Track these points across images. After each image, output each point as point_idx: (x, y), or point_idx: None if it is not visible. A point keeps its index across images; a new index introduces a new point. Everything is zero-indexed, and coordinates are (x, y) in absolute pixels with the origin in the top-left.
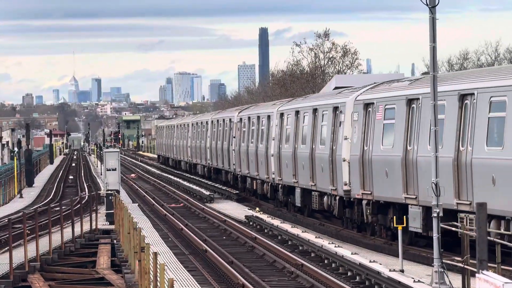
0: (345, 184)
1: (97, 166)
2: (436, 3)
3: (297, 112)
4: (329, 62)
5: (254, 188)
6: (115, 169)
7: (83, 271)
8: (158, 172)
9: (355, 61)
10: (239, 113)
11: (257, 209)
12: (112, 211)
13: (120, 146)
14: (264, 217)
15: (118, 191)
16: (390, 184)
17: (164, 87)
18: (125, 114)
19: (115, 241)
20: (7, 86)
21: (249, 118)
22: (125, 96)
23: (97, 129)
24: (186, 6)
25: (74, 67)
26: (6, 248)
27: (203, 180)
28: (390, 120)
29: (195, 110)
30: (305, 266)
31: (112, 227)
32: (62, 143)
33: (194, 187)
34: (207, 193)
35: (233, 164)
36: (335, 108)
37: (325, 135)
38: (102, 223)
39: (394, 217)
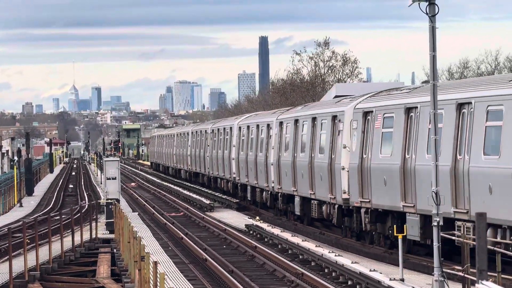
0: (344, 193)
1: (97, 175)
2: (436, 12)
3: (296, 121)
4: (329, 71)
5: (254, 196)
6: (115, 178)
7: (83, 280)
8: (158, 181)
9: (355, 69)
10: (238, 122)
11: (257, 218)
12: (112, 220)
13: (120, 155)
14: (264, 226)
15: (118, 200)
16: (388, 192)
17: (164, 96)
18: (125, 123)
19: (115, 250)
20: (8, 95)
21: (248, 127)
22: (125, 105)
23: (97, 138)
24: (188, 15)
25: (74, 76)
26: (6, 257)
27: (203, 189)
28: (388, 129)
29: (195, 118)
30: (305, 275)
31: (112, 236)
32: (62, 152)
33: (194, 196)
34: (207, 202)
35: (233, 173)
36: (334, 117)
37: (324, 143)
38: (102, 232)
39: (395, 226)
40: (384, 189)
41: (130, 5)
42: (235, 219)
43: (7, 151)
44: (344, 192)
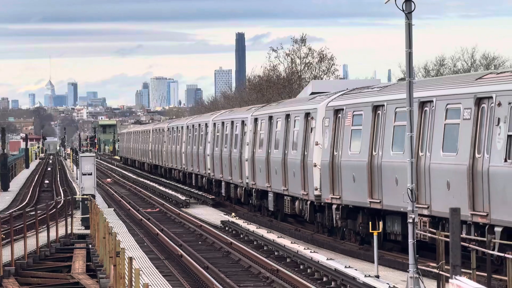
0: (316, 189)
1: (72, 171)
2: (412, 9)
3: (270, 118)
4: (306, 68)
5: (228, 192)
6: (90, 174)
7: (58, 275)
8: (134, 177)
9: (331, 66)
10: (213, 118)
11: (233, 214)
12: (88, 215)
13: (96, 150)
14: (240, 222)
15: (93, 196)
16: (357, 189)
17: (141, 92)
18: (101, 118)
19: (90, 245)
20: None
21: (223, 123)
22: (102, 100)
23: (73, 134)
24: (165, 11)
25: (50, 72)
26: None
27: (179, 185)
28: (357, 126)
29: (171, 115)
30: (280, 272)
31: (88, 231)
32: (38, 147)
33: (170, 192)
34: (183, 198)
35: (208, 169)
36: (307, 114)
37: (297, 140)
38: (77, 228)
39: (370, 222)
40: (353, 186)
41: (107, 1)
42: (210, 215)
43: None
44: (316, 189)
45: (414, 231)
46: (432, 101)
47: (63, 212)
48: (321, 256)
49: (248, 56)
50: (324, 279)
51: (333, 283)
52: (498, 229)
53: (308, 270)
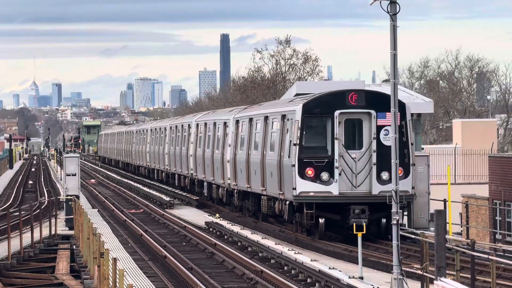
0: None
1: (57, 171)
2: (397, 11)
3: (250, 120)
4: (290, 69)
5: (210, 192)
6: (75, 175)
7: (42, 276)
8: (118, 177)
9: (316, 68)
10: (196, 119)
11: (217, 215)
12: (72, 216)
13: (80, 151)
14: (224, 223)
15: (77, 197)
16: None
17: (125, 93)
18: (86, 119)
19: (74, 246)
20: None
21: (205, 124)
22: (86, 101)
23: (57, 134)
24: (151, 12)
25: (34, 72)
26: None
27: (163, 186)
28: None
29: (156, 115)
30: (264, 273)
31: (72, 232)
32: (22, 148)
33: (154, 193)
34: (167, 199)
35: (191, 169)
36: (283, 116)
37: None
38: (61, 229)
39: (354, 224)
40: (255, 177)
41: (93, 1)
42: (195, 216)
43: None
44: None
45: (399, 233)
46: (269, 116)
47: (47, 212)
48: (305, 258)
49: (233, 57)
50: (309, 280)
51: (317, 284)
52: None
53: (293, 271)
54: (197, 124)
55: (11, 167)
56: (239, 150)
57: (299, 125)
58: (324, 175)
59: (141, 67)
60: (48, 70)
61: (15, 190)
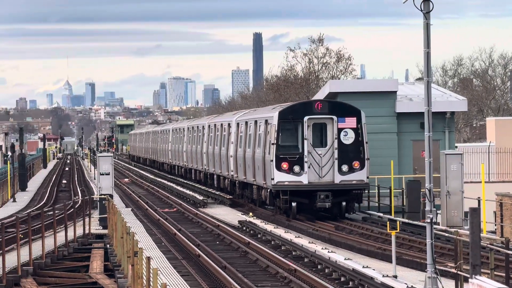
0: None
1: (90, 171)
2: (431, 9)
3: (246, 122)
4: (323, 68)
5: (219, 183)
6: (108, 174)
7: (76, 275)
8: (151, 177)
9: (349, 66)
10: (208, 121)
11: (251, 214)
12: (106, 215)
13: (113, 150)
14: (258, 222)
15: (111, 196)
16: (251, 173)
17: (158, 92)
18: (119, 118)
19: (108, 245)
20: (3, 90)
21: (215, 125)
22: (119, 100)
23: (90, 134)
24: (184, 11)
25: (68, 72)
26: None
27: (196, 185)
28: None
29: (189, 115)
30: (298, 271)
31: (106, 231)
32: (56, 147)
33: (188, 192)
34: (201, 198)
35: (204, 165)
36: (266, 121)
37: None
38: (95, 228)
39: (388, 222)
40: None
41: (126, 1)
42: (228, 215)
43: (1, 146)
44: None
45: (432, 231)
46: (257, 120)
47: (81, 212)
48: (338, 256)
49: (265, 56)
50: (342, 279)
51: (351, 283)
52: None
53: (326, 270)
54: (209, 125)
55: (45, 166)
56: (239, 147)
57: (276, 128)
58: (296, 168)
59: (174, 66)
60: (82, 69)
61: (49, 189)
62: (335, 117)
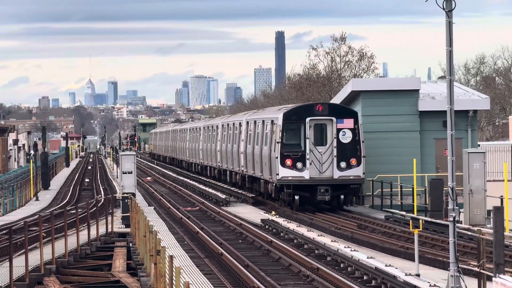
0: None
1: (113, 169)
2: (453, 7)
3: (255, 122)
4: (346, 66)
5: (231, 179)
6: (131, 172)
7: (98, 274)
8: (174, 175)
9: (371, 65)
10: (222, 121)
11: (273, 212)
12: (128, 214)
13: (136, 149)
14: (280, 220)
15: (134, 194)
16: (259, 168)
17: (181, 91)
18: (141, 117)
19: (130, 244)
20: (26, 88)
21: (228, 124)
22: (142, 99)
23: (113, 132)
24: (206, 10)
25: (90, 70)
26: (22, 251)
27: (219, 184)
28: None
29: (211, 113)
30: (320, 270)
31: (128, 230)
32: (78, 146)
33: (210, 190)
34: (223, 196)
35: (218, 161)
36: (272, 121)
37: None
38: (118, 226)
39: (410, 221)
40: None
41: (149, 0)
42: (250, 213)
43: (24, 145)
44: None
45: (455, 230)
46: (264, 120)
47: (103, 210)
48: (361, 255)
49: (288, 55)
50: (365, 277)
51: (373, 281)
52: (274, 184)
53: (349, 269)
54: (222, 125)
55: (67, 165)
56: (248, 144)
57: (281, 128)
58: (299, 164)
59: (196, 65)
60: (104, 68)
61: (71, 188)
62: (334, 118)
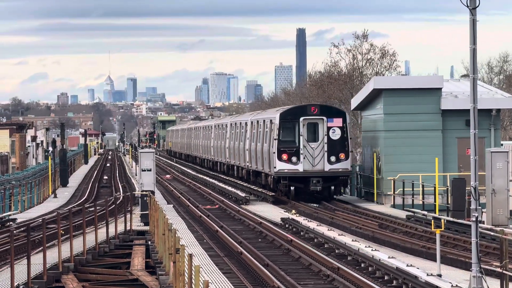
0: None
1: (132, 167)
2: (477, 5)
3: (258, 121)
4: (367, 64)
5: (238, 173)
6: (150, 170)
7: (117, 272)
8: (193, 173)
9: (393, 62)
10: (230, 120)
11: (293, 211)
12: (147, 212)
13: (155, 146)
14: (300, 219)
15: (153, 192)
16: (260, 163)
17: (200, 88)
18: (161, 114)
19: (149, 242)
20: (44, 85)
21: (235, 123)
22: (161, 96)
23: (132, 129)
24: (228, 6)
25: (110, 67)
26: (40, 248)
27: (239, 182)
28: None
29: (231, 111)
30: (341, 270)
31: (147, 228)
32: (97, 143)
33: (230, 188)
34: (243, 194)
35: (227, 157)
36: (270, 120)
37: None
38: (136, 224)
39: (432, 221)
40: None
41: None
42: (270, 212)
43: (42, 141)
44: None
45: (478, 230)
46: (265, 120)
47: (122, 208)
48: (382, 254)
49: (309, 52)
50: (386, 277)
51: (394, 281)
52: (272, 176)
53: (369, 269)
54: (231, 124)
55: (86, 162)
56: (252, 142)
57: (278, 127)
58: (294, 158)
59: (217, 61)
60: (123, 64)
61: (90, 185)
62: (325, 118)
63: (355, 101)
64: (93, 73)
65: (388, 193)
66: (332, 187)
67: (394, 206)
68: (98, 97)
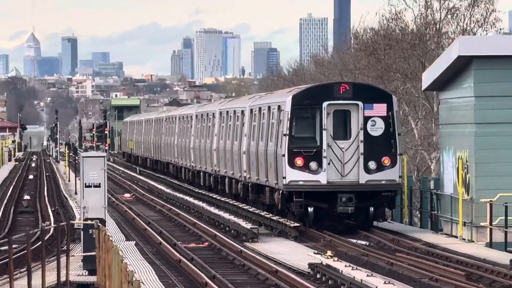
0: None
1: (69, 180)
2: None
3: (260, 109)
4: (449, 16)
5: (231, 189)
6: (99, 186)
7: None
8: (167, 190)
9: (490, 14)
10: (221, 106)
11: (329, 253)
12: (94, 253)
13: (107, 147)
14: (341, 266)
15: (103, 221)
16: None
17: (180, 54)
18: (116, 96)
19: None
20: None
21: (227, 112)
22: (116, 67)
23: (70, 120)
24: None
25: (33, 21)
26: None
27: (240, 205)
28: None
29: (228, 91)
30: None
31: (94, 279)
32: (13, 141)
33: (226, 216)
34: (248, 226)
35: (214, 165)
36: (279, 107)
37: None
38: (76, 273)
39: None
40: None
41: None
42: (292, 254)
43: None
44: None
45: None
46: (270, 106)
47: (53, 247)
48: None
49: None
50: None
51: None
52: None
53: None
54: (220, 112)
55: None
56: (252, 141)
57: (289, 116)
58: (313, 165)
59: (205, 12)
60: (55, 18)
61: (1, 209)
62: (360, 103)
63: (428, 77)
64: (8, 31)
65: (482, 224)
66: (372, 208)
67: (491, 245)
68: (15, 68)
